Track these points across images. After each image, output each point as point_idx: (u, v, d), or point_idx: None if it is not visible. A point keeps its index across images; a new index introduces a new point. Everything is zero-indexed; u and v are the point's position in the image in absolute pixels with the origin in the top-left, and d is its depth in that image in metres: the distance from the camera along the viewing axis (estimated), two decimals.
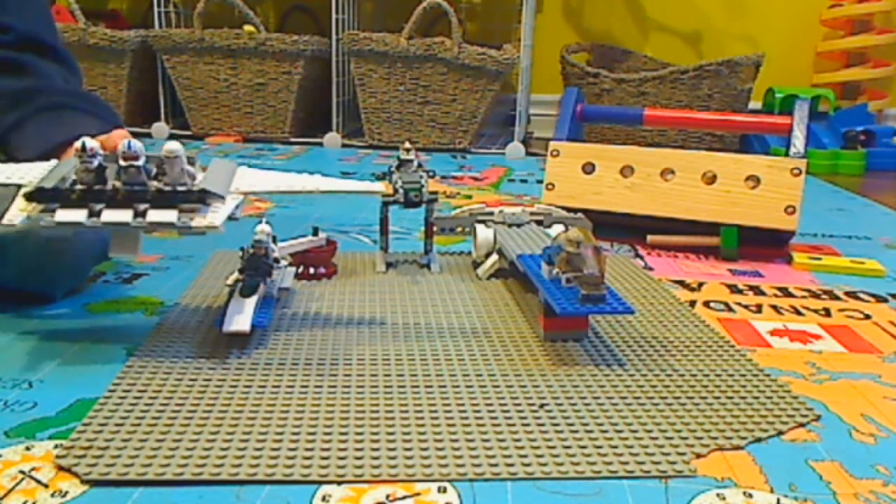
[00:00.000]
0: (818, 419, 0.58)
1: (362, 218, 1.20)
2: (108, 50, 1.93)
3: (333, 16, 1.95)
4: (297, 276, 0.86)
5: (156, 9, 2.02)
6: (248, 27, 1.95)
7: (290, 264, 0.85)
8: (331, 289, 0.84)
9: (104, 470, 0.47)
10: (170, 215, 0.59)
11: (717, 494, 0.48)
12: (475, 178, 1.61)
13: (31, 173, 0.63)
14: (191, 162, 0.64)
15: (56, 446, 0.50)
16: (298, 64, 1.93)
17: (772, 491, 0.49)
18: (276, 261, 0.75)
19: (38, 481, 0.47)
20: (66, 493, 0.46)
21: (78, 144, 0.59)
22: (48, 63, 0.80)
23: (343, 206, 1.29)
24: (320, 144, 1.99)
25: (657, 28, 2.33)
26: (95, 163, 0.59)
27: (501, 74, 1.88)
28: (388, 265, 0.92)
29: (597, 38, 2.33)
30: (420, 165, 0.91)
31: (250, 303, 0.68)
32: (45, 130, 0.73)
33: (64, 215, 0.58)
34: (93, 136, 0.61)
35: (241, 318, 0.66)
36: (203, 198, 0.60)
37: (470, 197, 1.40)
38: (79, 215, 0.58)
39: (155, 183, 0.61)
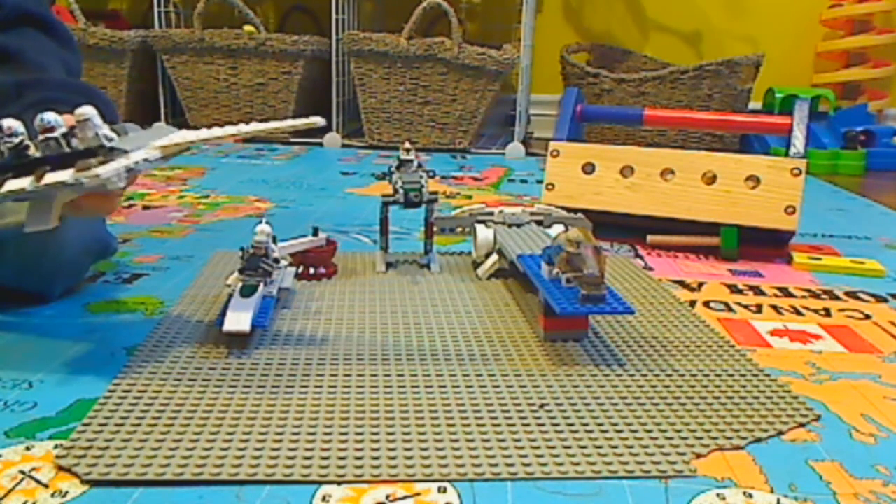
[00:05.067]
0: (818, 419, 0.58)
1: (362, 218, 1.20)
2: (108, 50, 1.93)
3: (333, 16, 1.95)
4: (297, 276, 0.86)
5: (156, 9, 2.02)
6: (248, 27, 1.95)
7: (290, 264, 0.85)
8: (331, 289, 0.84)
9: (104, 470, 0.47)
10: (65, 174, 0.56)
11: (717, 494, 0.48)
12: (475, 178, 1.61)
13: None
14: (126, 130, 0.61)
15: (56, 446, 0.50)
16: (298, 64, 1.93)
17: (772, 491, 0.49)
18: (276, 261, 0.75)
19: (38, 481, 0.47)
20: (66, 493, 0.46)
21: None
22: (43, 38, 0.78)
23: (343, 206, 1.29)
24: (320, 144, 1.99)
25: (657, 28, 2.33)
26: (15, 141, 0.58)
27: (501, 74, 1.88)
28: (388, 265, 0.92)
29: (597, 38, 2.33)
30: (420, 165, 0.91)
31: (250, 303, 0.68)
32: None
33: None
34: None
35: (241, 318, 0.66)
36: (103, 154, 0.57)
37: (470, 197, 1.40)
38: None
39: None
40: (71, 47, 0.82)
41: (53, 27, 0.80)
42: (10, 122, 0.58)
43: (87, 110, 0.58)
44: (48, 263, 0.74)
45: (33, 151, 0.59)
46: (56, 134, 0.58)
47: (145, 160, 0.58)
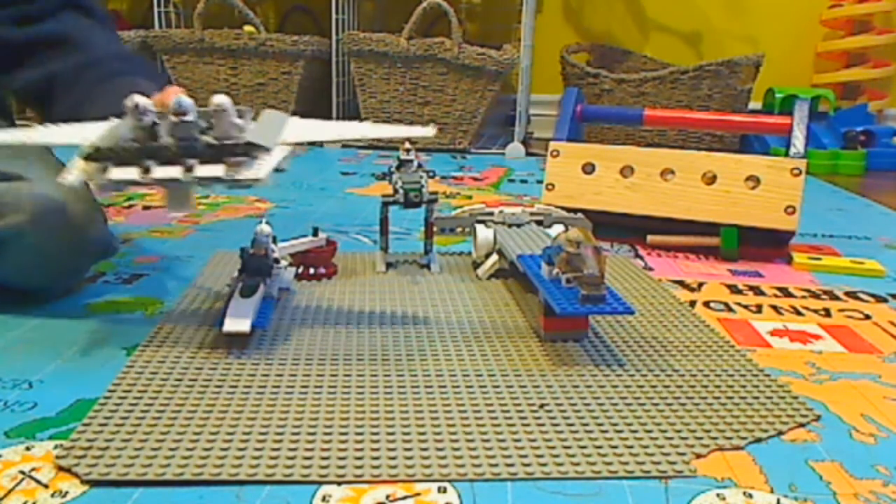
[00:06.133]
0: (818, 419, 0.58)
1: (362, 218, 1.20)
2: None
3: (333, 16, 1.95)
4: (297, 276, 0.86)
5: (156, 9, 2.02)
6: (248, 27, 1.95)
7: (290, 264, 0.85)
8: (331, 289, 0.84)
9: (104, 470, 0.47)
10: (217, 169, 0.59)
11: (717, 494, 0.48)
12: (475, 179, 1.61)
13: (88, 133, 0.63)
14: (241, 114, 0.64)
15: (56, 446, 0.50)
16: (298, 64, 1.93)
17: (772, 491, 0.49)
18: (276, 261, 0.75)
19: (38, 481, 0.47)
20: (66, 493, 0.46)
21: (130, 103, 0.59)
22: (83, 20, 0.81)
23: (343, 206, 1.29)
24: (320, 145, 1.99)
25: (657, 28, 2.33)
26: (147, 120, 0.60)
27: (501, 74, 1.88)
28: (388, 265, 0.92)
29: (597, 38, 2.33)
30: (420, 165, 0.91)
31: (250, 303, 0.68)
32: (108, 101, 0.73)
33: (117, 173, 0.59)
34: (147, 95, 0.61)
35: (241, 319, 0.66)
36: (249, 150, 0.60)
37: (470, 197, 1.40)
38: (131, 172, 0.59)
39: (205, 137, 0.60)
40: (109, 25, 0.85)
41: (92, 9, 0.83)
42: (141, 100, 0.59)
43: (223, 100, 0.60)
44: (48, 263, 0.74)
45: (163, 133, 0.60)
46: (189, 118, 0.59)
47: (284, 159, 0.62)
